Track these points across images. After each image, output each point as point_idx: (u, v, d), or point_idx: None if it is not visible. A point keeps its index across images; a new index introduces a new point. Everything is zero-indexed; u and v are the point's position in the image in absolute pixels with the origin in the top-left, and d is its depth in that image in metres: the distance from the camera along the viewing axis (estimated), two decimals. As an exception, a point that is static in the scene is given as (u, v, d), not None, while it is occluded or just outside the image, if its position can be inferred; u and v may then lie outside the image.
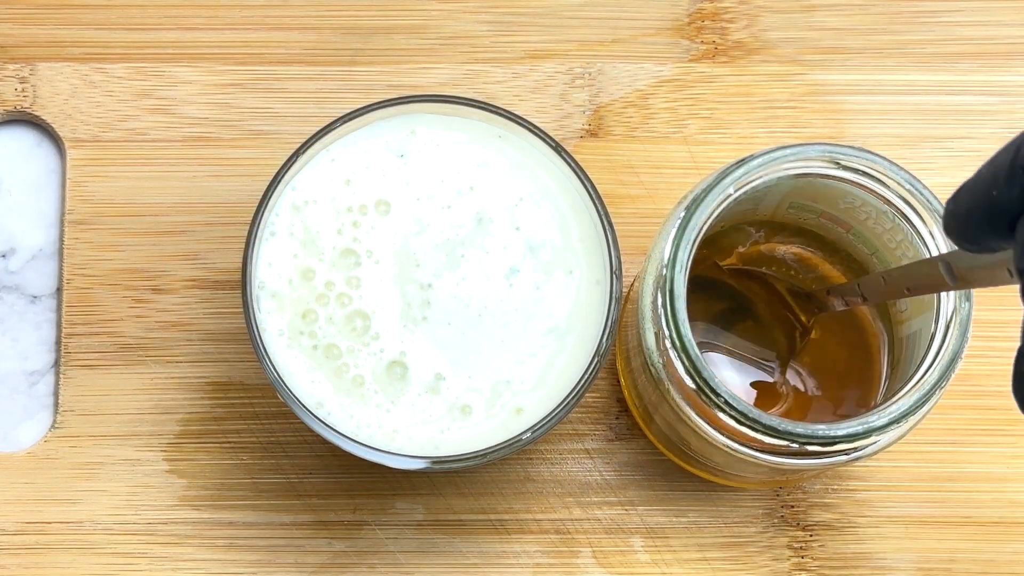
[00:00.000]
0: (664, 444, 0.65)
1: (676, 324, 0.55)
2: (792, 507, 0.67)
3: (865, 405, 0.62)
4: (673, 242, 0.56)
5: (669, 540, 0.67)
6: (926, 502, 0.67)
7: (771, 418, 0.55)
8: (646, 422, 0.66)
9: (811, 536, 0.67)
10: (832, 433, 0.55)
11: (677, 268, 0.56)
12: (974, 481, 0.67)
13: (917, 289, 0.54)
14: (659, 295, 0.56)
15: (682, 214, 0.56)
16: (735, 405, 0.55)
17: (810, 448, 0.55)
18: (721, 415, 0.55)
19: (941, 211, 0.56)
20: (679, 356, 0.55)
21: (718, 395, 0.55)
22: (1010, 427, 0.68)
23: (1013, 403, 0.69)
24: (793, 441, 0.55)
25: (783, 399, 0.63)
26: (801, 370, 0.63)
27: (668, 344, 0.56)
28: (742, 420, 0.55)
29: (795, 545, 0.67)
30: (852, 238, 0.62)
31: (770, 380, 0.63)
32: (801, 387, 0.63)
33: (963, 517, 0.67)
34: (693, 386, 0.55)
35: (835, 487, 0.67)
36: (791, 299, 0.63)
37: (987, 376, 0.68)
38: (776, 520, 0.67)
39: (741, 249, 0.64)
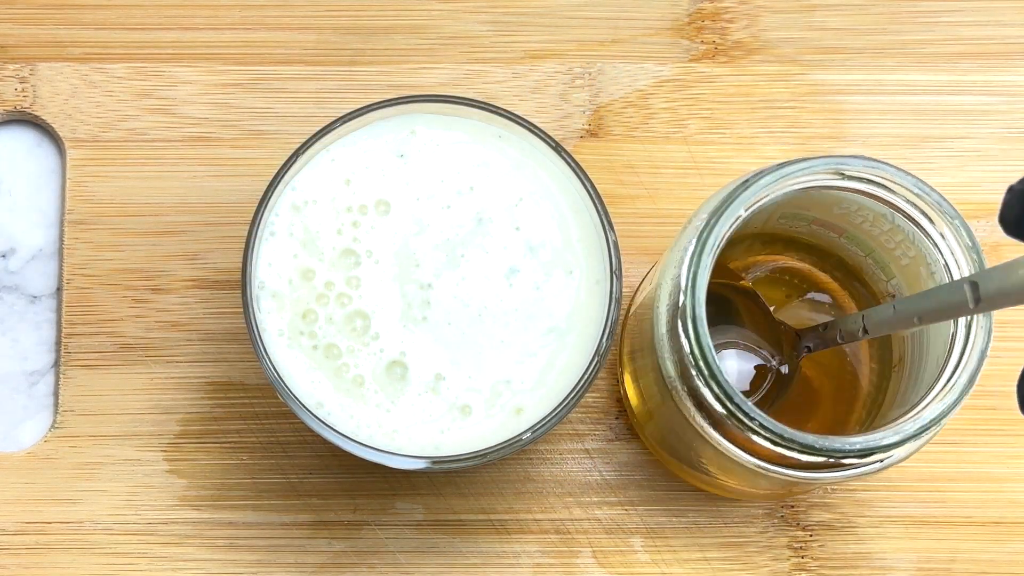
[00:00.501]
0: (664, 449, 0.65)
1: (703, 353, 0.55)
2: (792, 507, 0.67)
3: (848, 401, 0.62)
4: (690, 269, 0.55)
5: (669, 540, 0.67)
6: (926, 502, 0.67)
7: (806, 436, 0.54)
8: (640, 427, 0.66)
9: (811, 536, 0.67)
10: (869, 445, 0.54)
11: (698, 297, 0.55)
12: (974, 481, 0.67)
13: (930, 316, 0.54)
14: (679, 323, 0.55)
15: (694, 240, 0.56)
16: (770, 427, 0.54)
17: (845, 461, 0.55)
18: (755, 437, 0.55)
19: (952, 212, 0.56)
20: (707, 384, 0.55)
21: (752, 419, 0.55)
22: (1010, 427, 0.68)
23: (1013, 403, 0.69)
24: (829, 456, 0.55)
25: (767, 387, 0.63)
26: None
27: (694, 372, 0.55)
28: (778, 441, 0.55)
29: (795, 545, 0.67)
30: (845, 241, 0.62)
31: (759, 367, 0.63)
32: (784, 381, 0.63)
33: (963, 517, 0.67)
34: (723, 411, 0.55)
35: (835, 487, 0.67)
36: (776, 338, 0.63)
37: (987, 376, 0.67)
38: (776, 520, 0.67)
39: (734, 264, 0.64)
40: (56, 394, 0.68)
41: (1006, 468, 0.67)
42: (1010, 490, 0.67)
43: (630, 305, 0.66)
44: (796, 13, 0.71)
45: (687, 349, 0.55)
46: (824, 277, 0.64)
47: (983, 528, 0.67)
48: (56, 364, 0.68)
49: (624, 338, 0.66)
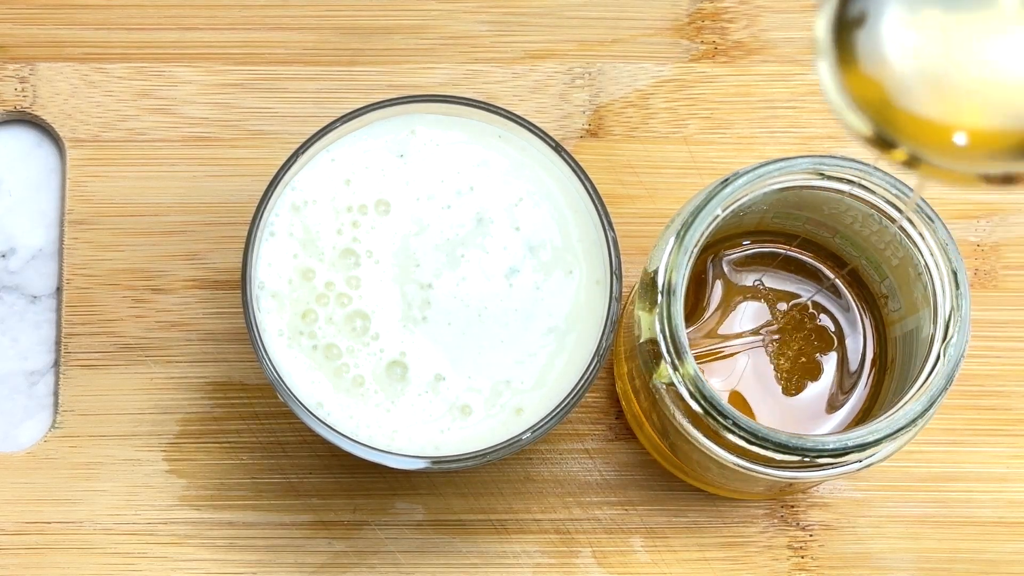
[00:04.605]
0: (657, 449, 0.65)
1: (679, 352, 0.55)
2: (792, 507, 0.67)
3: (833, 401, 0.62)
4: (667, 268, 0.56)
5: (669, 540, 0.67)
6: (926, 502, 0.67)
7: (779, 435, 0.55)
8: (637, 426, 0.66)
9: (811, 536, 0.67)
10: (844, 445, 0.55)
11: (674, 295, 0.55)
12: (974, 481, 0.67)
13: None
14: (656, 322, 0.56)
15: (672, 239, 0.56)
16: (744, 425, 0.55)
17: (820, 460, 0.55)
18: (729, 435, 0.55)
19: (930, 213, 0.56)
20: (683, 382, 0.55)
21: (726, 417, 0.55)
22: (1010, 427, 0.68)
23: (1013, 403, 0.69)
24: (803, 455, 0.55)
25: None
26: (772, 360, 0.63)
27: (671, 371, 0.55)
28: (751, 439, 0.55)
29: (795, 545, 0.67)
30: (839, 241, 0.62)
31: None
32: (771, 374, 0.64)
33: (963, 517, 0.67)
34: (700, 410, 0.55)
35: (835, 487, 0.67)
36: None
37: (987, 376, 0.68)
38: (776, 520, 0.67)
39: (731, 256, 0.64)
40: (56, 394, 0.68)
41: (1006, 468, 0.67)
42: (1010, 490, 0.67)
43: (625, 305, 0.66)
44: (796, 13, 0.71)
45: (663, 349, 0.55)
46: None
47: (983, 528, 0.67)
48: (56, 364, 0.68)
49: (619, 338, 0.66)
